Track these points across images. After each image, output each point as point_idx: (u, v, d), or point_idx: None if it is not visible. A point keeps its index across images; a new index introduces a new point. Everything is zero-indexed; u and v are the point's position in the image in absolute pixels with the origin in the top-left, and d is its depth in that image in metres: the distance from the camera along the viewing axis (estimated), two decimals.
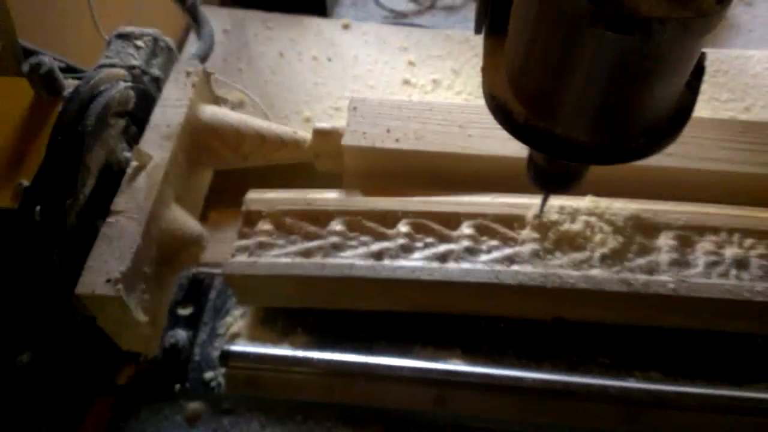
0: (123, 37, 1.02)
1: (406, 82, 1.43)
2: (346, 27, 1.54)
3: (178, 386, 0.90)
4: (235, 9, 1.57)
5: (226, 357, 0.87)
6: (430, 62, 1.48)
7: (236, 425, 0.89)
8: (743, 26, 1.84)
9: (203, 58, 1.13)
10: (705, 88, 1.43)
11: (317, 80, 1.43)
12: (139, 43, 1.01)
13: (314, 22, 1.55)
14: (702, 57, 0.51)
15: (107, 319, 0.73)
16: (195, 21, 1.18)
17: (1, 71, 0.95)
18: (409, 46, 1.51)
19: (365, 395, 0.86)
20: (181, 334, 0.94)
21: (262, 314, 0.94)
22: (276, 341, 0.92)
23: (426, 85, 1.43)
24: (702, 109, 1.40)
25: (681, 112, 0.54)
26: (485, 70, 0.59)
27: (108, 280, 0.69)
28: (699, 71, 0.53)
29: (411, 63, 1.47)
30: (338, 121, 1.34)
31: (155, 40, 1.01)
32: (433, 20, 1.82)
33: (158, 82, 0.97)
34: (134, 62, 0.99)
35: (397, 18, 1.80)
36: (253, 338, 0.93)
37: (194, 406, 0.89)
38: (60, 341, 0.90)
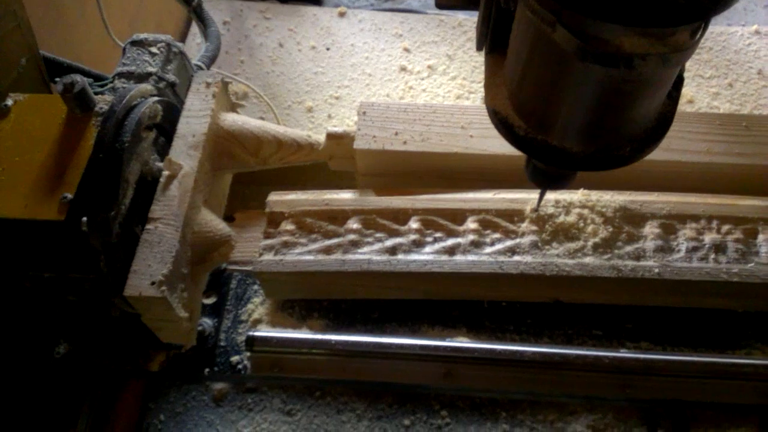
0: (137, 44, 1.08)
1: (403, 68, 1.50)
2: (342, 15, 1.60)
3: (207, 370, 1.00)
4: (234, 1, 1.62)
5: (252, 342, 0.97)
6: (425, 48, 1.54)
7: (260, 402, 0.99)
8: None
9: (212, 58, 1.20)
10: (689, 65, 1.51)
11: (317, 69, 1.50)
12: (154, 49, 1.07)
13: (311, 11, 1.61)
14: (681, 68, 0.59)
15: (152, 316, 0.82)
16: (201, 21, 1.24)
17: (26, 85, 1.01)
18: (403, 33, 1.57)
19: (379, 372, 0.96)
20: (207, 322, 1.03)
21: (280, 301, 1.04)
22: (295, 325, 1.02)
23: (422, 71, 1.50)
24: (687, 86, 1.48)
25: (663, 121, 0.62)
26: (487, 87, 0.67)
27: (153, 283, 0.78)
28: (678, 82, 0.61)
29: (406, 50, 1.54)
30: (338, 110, 1.43)
31: (168, 46, 1.08)
32: (426, 1, 1.88)
33: (174, 87, 1.05)
34: (150, 69, 1.06)
35: (389, 1, 1.85)
36: (274, 324, 1.03)
37: (220, 386, 1.00)
38: (97, 335, 0.99)
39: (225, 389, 1.00)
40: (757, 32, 1.58)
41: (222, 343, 1.03)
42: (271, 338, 0.97)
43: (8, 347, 0.99)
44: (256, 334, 0.97)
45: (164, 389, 1.01)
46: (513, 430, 0.95)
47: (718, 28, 1.60)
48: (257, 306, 1.05)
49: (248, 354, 0.99)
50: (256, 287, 1.07)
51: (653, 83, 0.54)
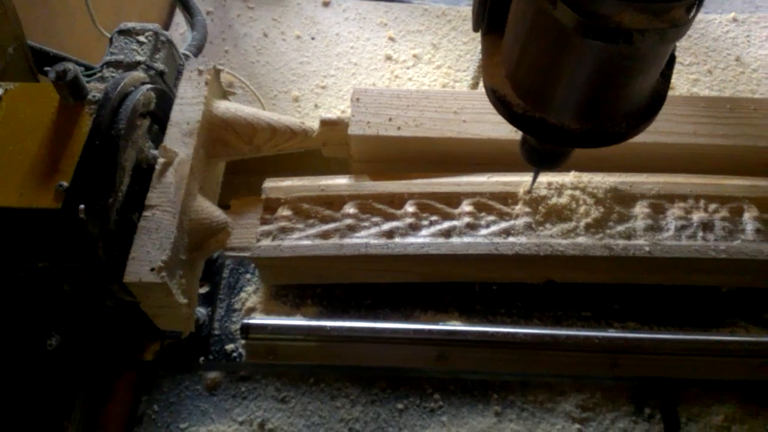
0: (125, 33, 1.09)
1: (388, 58, 1.52)
2: (326, 4, 1.61)
3: (202, 359, 1.01)
4: None
5: (247, 329, 0.98)
6: (410, 37, 1.56)
7: (253, 390, 1.00)
8: None
9: (199, 47, 1.21)
10: None
11: (302, 59, 1.51)
12: (142, 38, 1.08)
13: (294, 1, 1.62)
14: (673, 48, 0.62)
15: (151, 303, 0.82)
16: (187, 10, 1.25)
17: (14, 75, 1.01)
18: (388, 22, 1.59)
19: (374, 357, 0.99)
20: (200, 311, 1.04)
21: (273, 289, 1.06)
22: (289, 313, 1.03)
23: (407, 60, 1.52)
24: None
25: (656, 98, 0.64)
26: (485, 66, 0.68)
27: (152, 269, 0.79)
28: (671, 61, 0.63)
29: (392, 39, 1.56)
30: (325, 99, 1.44)
31: (156, 35, 1.08)
32: None
33: (163, 76, 1.05)
34: (139, 58, 1.06)
35: None
36: (268, 311, 1.04)
37: (213, 375, 1.01)
38: (90, 324, 1.00)
39: (218, 378, 1.01)
40: (734, 20, 1.63)
41: (216, 332, 1.04)
42: (266, 325, 0.99)
43: (1, 338, 0.99)
44: (251, 321, 0.98)
45: (157, 379, 1.02)
46: (504, 412, 0.97)
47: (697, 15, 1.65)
48: (250, 294, 1.07)
49: (243, 342, 1.01)
50: (248, 276, 1.08)
51: (650, 59, 0.57)
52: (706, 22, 1.62)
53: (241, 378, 1.01)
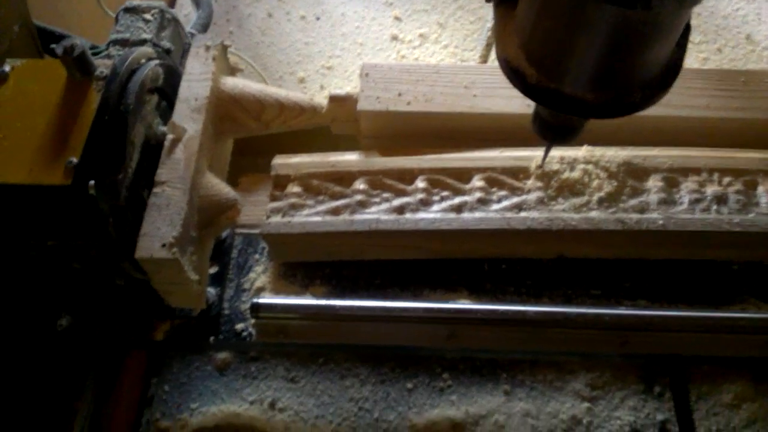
0: (131, 11, 1.09)
1: (394, 37, 1.52)
2: None
3: (212, 338, 1.02)
4: None
5: (257, 309, 0.99)
6: (416, 17, 1.56)
7: (263, 370, 1.01)
8: None
9: (205, 26, 1.21)
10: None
11: (307, 40, 1.51)
12: (147, 16, 1.08)
13: None
14: (689, 17, 0.62)
15: (162, 279, 0.83)
16: None
17: (20, 52, 1.01)
18: (394, 1, 1.58)
19: (384, 336, 0.99)
20: (210, 292, 1.05)
21: (282, 269, 1.06)
22: (298, 292, 1.04)
23: (414, 40, 1.51)
24: None
25: (672, 68, 0.64)
26: (498, 36, 0.68)
27: (163, 245, 0.79)
28: (686, 30, 0.63)
29: (397, 18, 1.55)
30: (330, 80, 1.44)
31: (162, 12, 1.09)
32: None
33: (169, 54, 1.05)
34: (145, 36, 1.07)
35: None
36: (277, 291, 1.04)
37: (223, 355, 1.01)
38: (100, 304, 1.00)
39: (228, 358, 1.02)
40: None
41: (226, 312, 1.05)
42: (276, 305, 0.99)
43: (10, 320, 1.00)
44: (261, 301, 0.99)
45: (168, 360, 1.03)
46: (513, 390, 0.98)
47: None
48: (259, 274, 1.07)
49: (253, 321, 1.01)
50: (257, 256, 1.09)
51: (667, 26, 0.56)
52: (716, 0, 1.62)
53: (251, 358, 1.01)
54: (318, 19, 1.55)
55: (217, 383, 1.00)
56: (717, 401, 0.96)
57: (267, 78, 1.40)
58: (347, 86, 1.41)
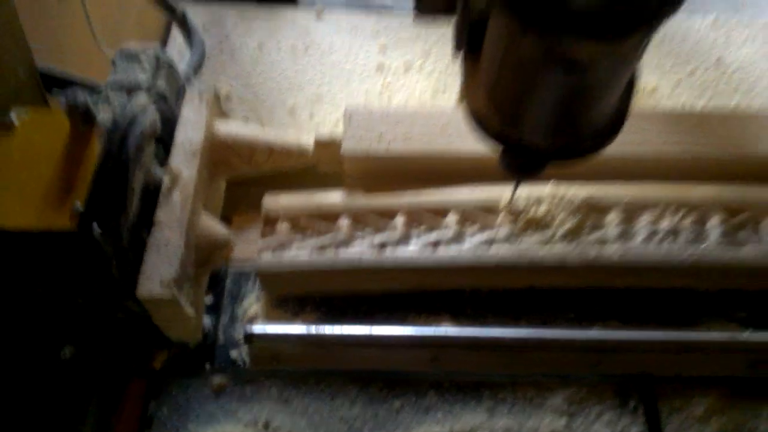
0: (127, 55, 1.16)
1: (381, 65, 1.60)
2: (319, 15, 1.69)
3: (208, 365, 1.09)
4: (212, 4, 1.70)
5: (250, 337, 1.06)
6: (401, 45, 1.64)
7: (257, 392, 1.08)
8: None
9: (198, 66, 1.29)
10: (652, 56, 1.63)
11: (297, 69, 1.59)
12: (143, 60, 1.16)
13: (288, 13, 1.69)
14: (635, 70, 0.69)
15: (161, 315, 0.91)
16: (185, 30, 1.32)
17: (25, 96, 1.09)
18: (380, 30, 1.67)
19: (371, 360, 1.06)
20: (205, 320, 1.12)
21: (274, 298, 1.13)
22: (289, 320, 1.11)
23: (399, 68, 1.60)
24: (650, 75, 1.59)
25: (619, 117, 0.72)
26: (466, 87, 0.76)
27: (163, 284, 0.87)
28: (631, 83, 0.71)
29: (383, 47, 1.63)
30: (320, 107, 1.52)
31: (157, 57, 1.16)
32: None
33: (164, 96, 1.13)
34: (141, 79, 1.14)
35: None
36: (269, 319, 1.12)
37: (219, 379, 1.09)
38: (102, 335, 1.08)
39: (224, 382, 1.09)
40: (715, 23, 1.71)
41: (221, 340, 1.12)
42: (269, 333, 1.06)
43: (17, 349, 1.08)
44: (255, 328, 1.06)
45: (166, 385, 1.10)
46: (495, 407, 1.05)
47: (678, 19, 1.72)
48: (252, 303, 1.14)
49: (247, 348, 1.09)
50: (250, 285, 1.16)
51: (608, 84, 0.65)
52: (687, 26, 1.70)
53: (246, 381, 1.08)
54: (307, 49, 1.63)
55: (213, 405, 1.07)
56: (689, 415, 1.03)
57: (258, 107, 1.48)
58: (336, 113, 1.49)
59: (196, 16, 1.61)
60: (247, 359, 1.09)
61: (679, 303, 1.10)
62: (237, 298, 1.16)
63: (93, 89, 1.16)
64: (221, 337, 1.12)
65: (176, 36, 1.62)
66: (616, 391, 1.06)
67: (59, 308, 1.03)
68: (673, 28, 1.70)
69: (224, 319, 1.14)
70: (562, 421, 1.03)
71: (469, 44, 0.75)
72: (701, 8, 1.85)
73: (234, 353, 1.10)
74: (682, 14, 1.83)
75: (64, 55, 1.30)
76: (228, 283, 1.17)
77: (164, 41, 1.62)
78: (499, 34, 0.64)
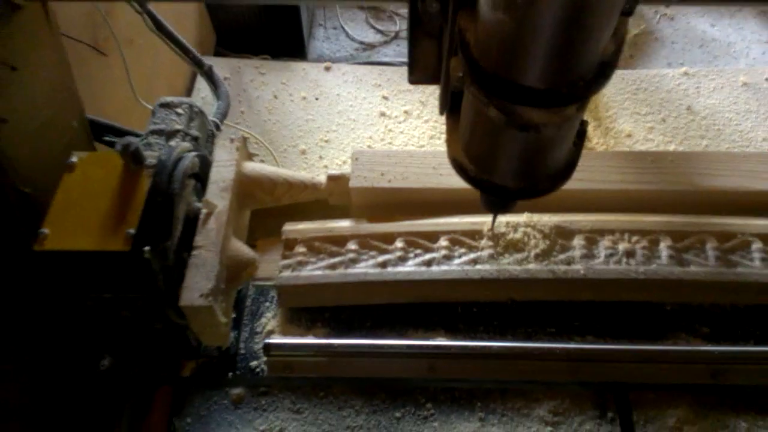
0: (165, 105, 1.39)
1: (382, 114, 1.82)
2: (327, 69, 1.93)
3: (231, 374, 1.27)
4: (231, 58, 1.95)
5: (269, 348, 1.25)
6: (401, 96, 1.87)
7: (272, 403, 1.24)
8: (667, 39, 2.27)
9: (224, 114, 1.52)
10: (628, 104, 1.86)
11: (308, 117, 1.82)
12: (179, 110, 1.38)
13: (300, 66, 1.94)
14: (583, 124, 0.88)
15: (198, 322, 1.11)
16: (212, 82, 1.56)
17: (78, 143, 1.31)
18: (382, 83, 1.90)
19: (374, 369, 1.24)
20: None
21: (288, 315, 1.33)
22: (302, 334, 1.30)
23: (399, 116, 1.82)
24: (626, 122, 1.81)
25: (571, 163, 0.91)
26: (448, 141, 0.96)
27: (201, 295, 1.07)
28: (581, 133, 0.91)
29: (385, 97, 1.87)
30: (328, 151, 1.75)
31: (191, 107, 1.39)
32: (398, 49, 2.22)
33: (197, 141, 1.36)
34: (177, 126, 1.37)
35: (366, 49, 2.20)
36: (285, 333, 1.31)
37: (237, 391, 1.26)
38: (139, 346, 1.27)
39: (242, 393, 1.25)
40: (686, 73, 1.93)
41: (242, 351, 1.30)
42: (285, 344, 1.25)
43: (62, 360, 1.26)
44: (272, 341, 1.25)
45: (190, 395, 1.26)
46: (487, 417, 1.20)
47: (652, 71, 1.96)
48: (269, 319, 1.33)
49: (265, 359, 1.26)
50: (267, 304, 1.35)
51: (557, 140, 0.84)
52: (660, 76, 1.92)
53: (262, 393, 1.24)
54: (317, 99, 1.86)
55: (232, 415, 1.23)
56: (662, 424, 1.18)
57: (273, 150, 1.70)
58: (343, 156, 1.72)
59: (218, 69, 1.84)
60: (265, 368, 1.27)
61: (648, 320, 1.27)
62: (256, 315, 1.35)
63: (133, 134, 1.39)
64: (242, 349, 1.31)
65: (199, 88, 1.86)
66: (596, 403, 1.21)
67: (104, 321, 1.22)
68: (647, 78, 1.93)
69: (245, 333, 1.32)
70: (548, 430, 1.18)
71: (450, 107, 0.91)
72: (681, 52, 2.09)
73: (254, 363, 1.28)
74: (663, 56, 2.07)
75: (105, 108, 1.53)
76: (248, 302, 1.37)
77: (189, 93, 1.87)
78: (471, 102, 0.79)
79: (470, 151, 0.88)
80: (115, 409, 1.24)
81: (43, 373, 1.28)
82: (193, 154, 1.18)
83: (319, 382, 1.25)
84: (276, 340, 1.26)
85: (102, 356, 1.26)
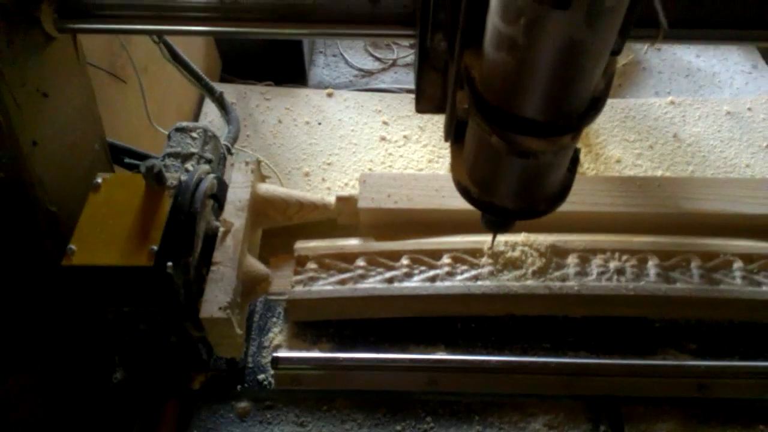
0: (181, 130, 1.50)
1: (383, 138, 1.94)
2: (329, 95, 2.05)
3: (239, 387, 1.35)
4: (237, 84, 2.07)
5: (276, 361, 1.32)
6: (400, 121, 1.99)
7: (277, 417, 1.31)
8: (654, 69, 2.41)
9: (235, 138, 1.63)
10: (617, 131, 1.99)
11: (311, 141, 1.93)
12: (194, 134, 1.49)
13: (304, 92, 2.06)
14: (576, 151, 0.99)
15: (216, 333, 1.21)
16: (223, 108, 1.67)
17: (99, 165, 1.40)
18: (382, 109, 2.02)
19: (377, 382, 1.32)
20: None
21: (295, 330, 1.41)
22: (308, 348, 1.38)
23: (399, 141, 1.94)
24: (615, 149, 1.94)
25: (566, 186, 1.02)
26: (452, 165, 1.06)
27: (220, 308, 1.17)
28: (575, 159, 1.02)
29: (385, 123, 1.98)
30: (331, 174, 1.86)
31: (205, 131, 1.50)
32: (395, 76, 2.35)
33: (211, 163, 1.46)
34: (192, 150, 1.48)
35: (365, 76, 2.32)
36: (291, 347, 1.39)
37: (243, 404, 1.32)
38: (152, 360, 1.35)
39: (248, 407, 1.32)
40: (672, 102, 2.07)
41: (250, 365, 1.38)
42: (292, 357, 1.32)
43: (78, 373, 1.34)
44: (280, 355, 1.32)
45: (197, 408, 1.32)
46: (485, 430, 1.27)
47: (640, 100, 2.09)
48: (276, 334, 1.42)
49: (273, 372, 1.34)
50: (275, 319, 1.44)
51: (553, 166, 0.95)
52: (648, 104, 2.06)
53: (267, 407, 1.31)
54: (320, 124, 1.98)
55: (238, 429, 1.29)
56: None
57: (278, 173, 1.81)
58: (344, 178, 1.83)
59: (225, 94, 1.95)
60: (272, 381, 1.34)
61: (638, 336, 1.37)
62: (263, 330, 1.43)
63: (148, 156, 1.49)
64: (250, 362, 1.39)
65: (206, 112, 1.97)
66: (589, 417, 1.29)
67: (121, 334, 1.30)
68: (636, 107, 2.06)
69: (253, 347, 1.40)
70: None
71: (455, 135, 1.00)
72: (668, 81, 2.22)
73: (261, 376, 1.35)
74: (651, 86, 2.20)
75: (121, 132, 1.63)
76: (256, 317, 1.46)
77: (196, 117, 1.98)
78: (475, 131, 0.88)
79: (474, 175, 0.97)
80: (125, 422, 1.30)
81: (61, 387, 1.37)
82: (212, 176, 1.28)
83: (323, 396, 1.31)
84: (284, 353, 1.33)
85: (115, 370, 1.36)
